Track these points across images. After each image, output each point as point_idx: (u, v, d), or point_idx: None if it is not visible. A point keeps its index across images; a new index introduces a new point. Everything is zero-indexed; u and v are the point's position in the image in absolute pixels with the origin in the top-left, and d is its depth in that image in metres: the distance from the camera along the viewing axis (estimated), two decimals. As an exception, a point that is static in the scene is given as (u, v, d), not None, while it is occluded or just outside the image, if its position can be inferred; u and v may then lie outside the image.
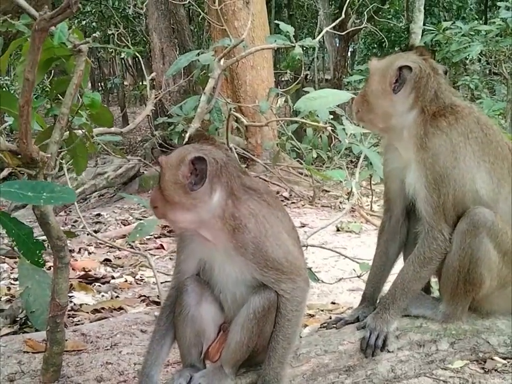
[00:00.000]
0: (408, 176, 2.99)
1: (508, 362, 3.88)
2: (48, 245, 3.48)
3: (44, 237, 3.34)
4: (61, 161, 5.26)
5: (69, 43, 3.16)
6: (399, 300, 2.98)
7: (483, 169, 2.91)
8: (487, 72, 15.77)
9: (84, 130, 4.09)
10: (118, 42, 13.37)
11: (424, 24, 12.43)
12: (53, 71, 7.05)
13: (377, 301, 3.21)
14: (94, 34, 3.07)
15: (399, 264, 3.22)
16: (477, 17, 18.29)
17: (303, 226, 8.05)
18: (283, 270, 2.64)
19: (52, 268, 3.42)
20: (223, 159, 2.65)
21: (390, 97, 3.02)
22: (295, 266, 2.68)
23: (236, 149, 10.20)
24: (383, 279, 3.30)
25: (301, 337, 3.16)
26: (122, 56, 17.47)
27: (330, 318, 4.47)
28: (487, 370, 3.84)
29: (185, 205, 2.59)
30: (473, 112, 3.02)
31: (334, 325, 3.16)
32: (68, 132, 3.92)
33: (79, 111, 3.82)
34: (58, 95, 3.86)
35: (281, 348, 2.68)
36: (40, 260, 3.51)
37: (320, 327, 3.31)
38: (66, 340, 3.69)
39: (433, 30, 11.36)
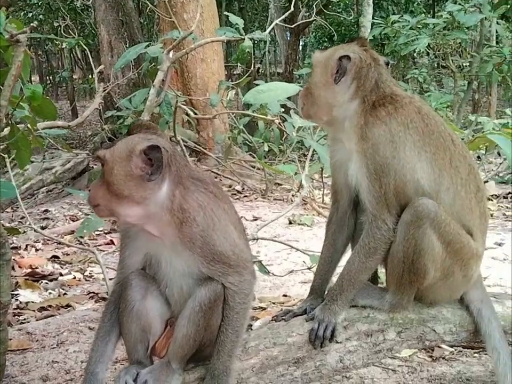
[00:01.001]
0: (351, 167, 3.00)
1: (455, 350, 3.94)
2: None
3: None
4: (4, 155, 5.09)
5: (6, 33, 3.05)
6: (347, 290, 2.98)
7: (424, 159, 2.93)
8: (435, 65, 16.05)
9: (26, 124, 3.98)
10: (66, 35, 13.12)
11: (373, 18, 12.54)
12: (-4, 64, 6.84)
13: (326, 292, 3.22)
14: (32, 24, 2.96)
15: (348, 255, 3.23)
16: (424, 11, 18.58)
17: (256, 220, 8.05)
18: (230, 263, 2.62)
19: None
20: (170, 148, 2.62)
21: (332, 88, 3.02)
22: (241, 259, 2.66)
23: (186, 142, 10.13)
24: (330, 270, 3.31)
25: (251, 329, 3.15)
26: (67, 47, 17.10)
27: (282, 311, 4.49)
28: (435, 358, 3.89)
29: (135, 198, 2.53)
30: (414, 102, 3.03)
31: (283, 317, 3.16)
32: (10, 126, 3.80)
33: (21, 103, 3.71)
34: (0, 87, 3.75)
35: (230, 341, 2.66)
36: (-20, 257, 3.41)
37: (272, 320, 3.31)
38: (10, 339, 3.61)
39: (382, 24, 11.51)
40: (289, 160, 9.82)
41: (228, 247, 2.63)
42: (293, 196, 9.71)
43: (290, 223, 7.99)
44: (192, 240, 2.56)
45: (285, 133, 9.56)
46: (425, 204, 2.87)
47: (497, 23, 11.96)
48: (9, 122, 3.65)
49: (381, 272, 3.37)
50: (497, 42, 12.57)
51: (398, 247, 2.91)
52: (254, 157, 10.55)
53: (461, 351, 3.94)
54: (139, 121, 3.09)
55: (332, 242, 3.29)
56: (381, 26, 11.46)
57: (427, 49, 12.38)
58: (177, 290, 2.72)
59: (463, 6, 9.87)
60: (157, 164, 2.50)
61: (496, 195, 9.03)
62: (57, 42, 20.22)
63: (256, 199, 9.57)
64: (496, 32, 12.37)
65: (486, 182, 9.15)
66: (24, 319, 4.77)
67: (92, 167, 11.56)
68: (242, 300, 2.66)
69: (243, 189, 10.06)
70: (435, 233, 2.88)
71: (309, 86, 3.16)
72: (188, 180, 2.64)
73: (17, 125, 3.91)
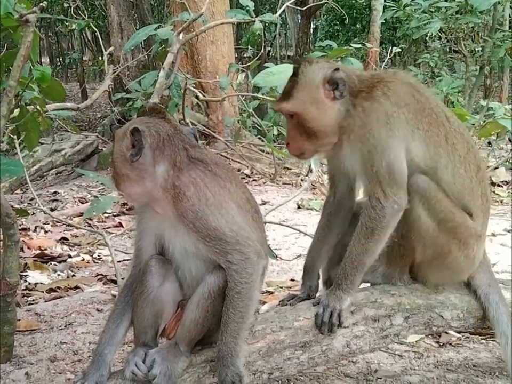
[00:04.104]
0: (342, 154, 2.98)
1: (462, 336, 3.94)
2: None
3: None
4: (13, 136, 5.11)
5: (16, 13, 3.04)
6: (351, 274, 2.95)
7: (417, 138, 2.90)
8: (447, 50, 15.91)
9: (35, 105, 3.98)
10: (76, 16, 13.08)
11: (385, 1, 12.43)
12: (5, 45, 6.83)
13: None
14: (41, 4, 2.94)
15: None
16: (437, -6, 18.36)
17: (264, 204, 8.04)
18: (227, 240, 2.58)
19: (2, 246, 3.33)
20: (168, 132, 2.69)
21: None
22: (241, 237, 2.62)
23: (196, 125, 10.10)
24: (323, 251, 3.29)
25: (258, 313, 3.15)
26: (77, 29, 17.04)
27: (288, 295, 4.50)
28: (441, 344, 3.89)
29: (131, 177, 2.67)
30: (404, 80, 3.02)
31: (289, 302, 3.15)
32: (19, 107, 3.81)
33: (31, 84, 3.71)
34: (10, 68, 3.74)
35: (233, 322, 2.62)
36: (-12, 238, 3.43)
37: (278, 305, 3.31)
38: (19, 320, 3.64)
39: (393, 7, 11.38)
40: (298, 144, 9.77)
41: (223, 223, 2.59)
42: (301, 180, 9.69)
43: (298, 207, 7.98)
44: (183, 214, 2.58)
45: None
46: (416, 179, 2.86)
47: (510, 7, 11.81)
48: (19, 103, 3.66)
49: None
50: (510, 27, 12.40)
51: None
52: (263, 141, 10.52)
53: (468, 337, 3.94)
54: (148, 104, 3.11)
55: (327, 223, 3.26)
56: (393, 9, 11.33)
57: (439, 33, 12.26)
58: (188, 273, 2.74)
59: (476, -11, 9.74)
60: (138, 146, 2.63)
61: (506, 181, 8.97)
62: (67, 24, 20.13)
63: (265, 183, 9.57)
64: (510, 16, 12.21)
65: (497, 168, 9.10)
66: (33, 300, 4.80)
67: (101, 149, 11.58)
68: (244, 280, 2.59)
69: (252, 172, 10.04)
70: (424, 209, 2.88)
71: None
72: (185, 160, 2.68)
73: (26, 107, 3.91)
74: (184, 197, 2.58)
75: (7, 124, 3.20)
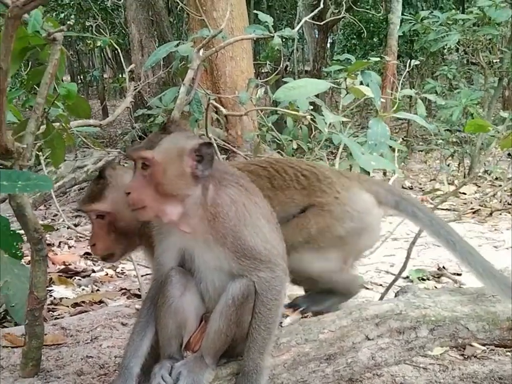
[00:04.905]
0: None
1: (487, 348, 3.91)
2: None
3: (22, 231, 3.31)
4: (38, 153, 5.19)
5: (43, 32, 3.12)
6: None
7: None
8: (465, 62, 15.84)
9: (61, 122, 4.05)
10: (97, 34, 13.25)
11: (402, 14, 12.43)
12: (30, 63, 6.96)
13: None
14: (68, 22, 3.02)
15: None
16: (454, 6, 18.30)
17: (284, 217, 8.04)
18: (261, 258, 2.63)
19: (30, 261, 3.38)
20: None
21: None
22: (272, 255, 2.67)
23: (216, 140, 10.15)
24: None
25: (281, 326, 3.16)
26: (100, 45, 17.26)
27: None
28: (466, 356, 3.87)
29: (180, 196, 2.58)
30: None
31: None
32: (45, 124, 3.87)
33: (56, 102, 3.78)
34: (35, 86, 3.82)
35: (261, 338, 2.66)
36: (18, 252, 3.50)
37: (302, 317, 3.33)
38: (45, 334, 3.67)
39: (411, 20, 11.39)
40: (317, 158, 9.79)
41: (259, 243, 2.64)
42: (321, 193, 9.67)
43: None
44: (224, 235, 2.59)
45: (313, 130, 9.54)
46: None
47: (529, 18, 11.76)
48: (45, 120, 3.72)
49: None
50: (528, 38, 12.35)
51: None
52: (282, 155, 10.54)
53: (493, 350, 3.91)
54: (170, 118, 3.13)
55: None
56: (410, 22, 11.34)
57: (457, 45, 12.22)
58: (211, 286, 2.74)
59: (494, 1, 9.70)
60: (208, 160, 2.56)
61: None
62: (88, 42, 20.38)
63: (285, 196, 9.56)
64: (528, 27, 12.16)
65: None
66: (59, 315, 4.86)
67: (123, 165, 11.65)
68: (274, 297, 2.65)
69: (272, 186, 10.04)
70: None
71: None
72: (219, 174, 2.68)
73: (52, 123, 3.98)
74: (226, 217, 2.58)
75: (34, 141, 3.25)
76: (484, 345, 3.82)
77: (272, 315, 2.66)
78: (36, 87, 3.68)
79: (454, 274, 5.65)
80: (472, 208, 8.45)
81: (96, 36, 12.98)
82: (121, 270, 6.16)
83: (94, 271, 6.07)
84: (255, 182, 2.91)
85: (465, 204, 9.11)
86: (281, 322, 4.12)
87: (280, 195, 3.25)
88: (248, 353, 2.68)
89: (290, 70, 20.51)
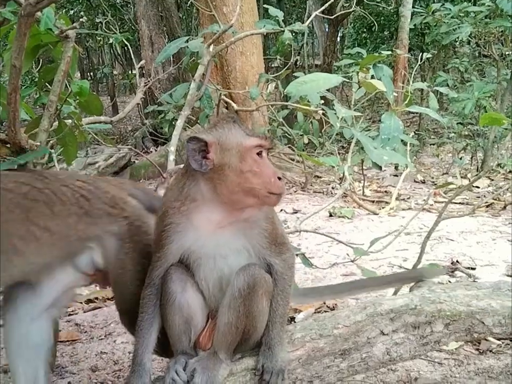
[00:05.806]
0: None
1: (503, 342, 3.89)
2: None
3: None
4: (51, 150, 5.20)
5: (56, 29, 3.12)
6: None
7: None
8: (477, 54, 15.74)
9: (73, 119, 4.06)
10: (106, 30, 13.27)
11: (413, 7, 12.35)
12: (41, 61, 6.98)
13: None
14: (81, 19, 3.02)
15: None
16: (465, -1, 18.20)
17: (296, 212, 8.05)
18: (284, 242, 2.80)
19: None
20: None
21: None
22: (287, 237, 2.88)
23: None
24: None
25: (294, 321, 3.16)
26: (110, 42, 17.28)
27: (324, 303, 4.49)
28: (481, 351, 3.84)
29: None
30: None
31: None
32: (57, 121, 3.88)
33: (68, 99, 3.78)
34: (47, 84, 3.82)
35: (283, 312, 2.77)
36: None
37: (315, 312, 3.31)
38: (60, 330, 3.69)
39: (422, 13, 11.32)
40: (328, 153, 9.78)
41: (281, 228, 2.82)
42: (332, 188, 9.68)
43: (330, 215, 7.97)
44: (269, 223, 2.73)
45: (324, 124, 9.52)
46: None
47: (542, 10, 11.65)
48: (58, 117, 3.73)
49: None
50: (541, 30, 12.24)
51: None
52: (293, 150, 10.53)
53: (508, 344, 3.89)
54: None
55: None
56: (422, 15, 11.27)
57: (469, 38, 12.13)
58: (213, 284, 2.77)
59: (506, -7, 9.63)
60: None
61: (541, 186, 8.86)
62: (98, 39, 20.43)
63: (295, 191, 9.57)
64: (541, 19, 12.05)
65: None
66: (72, 311, 4.88)
67: (134, 161, 11.71)
68: (292, 273, 2.84)
69: (283, 181, 10.04)
70: None
71: None
72: None
73: (64, 121, 3.99)
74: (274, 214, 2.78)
75: (47, 138, 3.26)
76: (499, 339, 3.80)
77: (290, 290, 2.80)
78: (48, 85, 3.69)
79: (468, 268, 5.62)
80: (485, 202, 8.40)
81: (106, 32, 12.98)
82: (134, 266, 6.16)
83: (107, 267, 6.07)
84: (32, 210, 2.57)
85: (478, 197, 9.06)
86: (294, 318, 4.14)
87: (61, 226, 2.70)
88: (272, 327, 2.75)
89: (301, 64, 20.41)
